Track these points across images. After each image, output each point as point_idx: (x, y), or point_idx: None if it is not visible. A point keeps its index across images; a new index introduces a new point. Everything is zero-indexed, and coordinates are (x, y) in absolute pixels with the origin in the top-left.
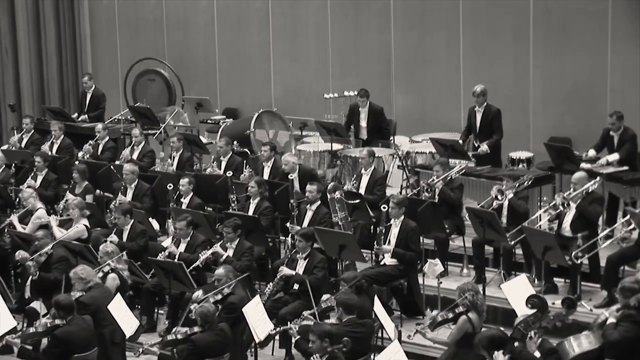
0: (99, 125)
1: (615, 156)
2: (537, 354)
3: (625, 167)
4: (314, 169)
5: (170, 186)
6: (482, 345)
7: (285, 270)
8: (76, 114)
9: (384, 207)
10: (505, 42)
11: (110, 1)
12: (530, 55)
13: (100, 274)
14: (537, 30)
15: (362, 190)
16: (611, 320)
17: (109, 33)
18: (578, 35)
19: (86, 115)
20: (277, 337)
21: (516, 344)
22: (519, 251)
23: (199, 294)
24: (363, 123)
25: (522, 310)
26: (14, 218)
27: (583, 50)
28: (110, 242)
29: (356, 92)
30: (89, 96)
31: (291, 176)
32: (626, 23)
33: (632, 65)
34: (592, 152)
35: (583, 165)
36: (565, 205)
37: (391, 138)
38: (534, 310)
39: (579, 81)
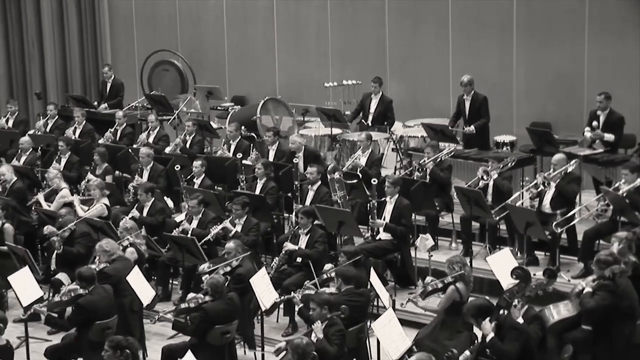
0: (120, 113)
1: (611, 137)
2: (521, 320)
3: (600, 150)
4: (317, 150)
5: (177, 167)
6: (470, 313)
7: (289, 246)
8: (96, 103)
9: (374, 181)
10: (491, 36)
11: None
12: (514, 48)
13: (120, 248)
14: (520, 25)
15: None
16: (587, 289)
17: (126, 27)
18: (558, 30)
19: (106, 104)
20: (281, 306)
21: (501, 311)
22: (503, 227)
23: (204, 266)
24: (372, 109)
25: (506, 281)
26: (40, 196)
27: (562, 43)
28: (132, 217)
29: (359, 82)
30: (109, 85)
31: (297, 157)
32: (602, 19)
33: (607, 57)
34: (588, 133)
35: (586, 134)
36: (546, 184)
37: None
38: (518, 281)
39: (559, 71)
